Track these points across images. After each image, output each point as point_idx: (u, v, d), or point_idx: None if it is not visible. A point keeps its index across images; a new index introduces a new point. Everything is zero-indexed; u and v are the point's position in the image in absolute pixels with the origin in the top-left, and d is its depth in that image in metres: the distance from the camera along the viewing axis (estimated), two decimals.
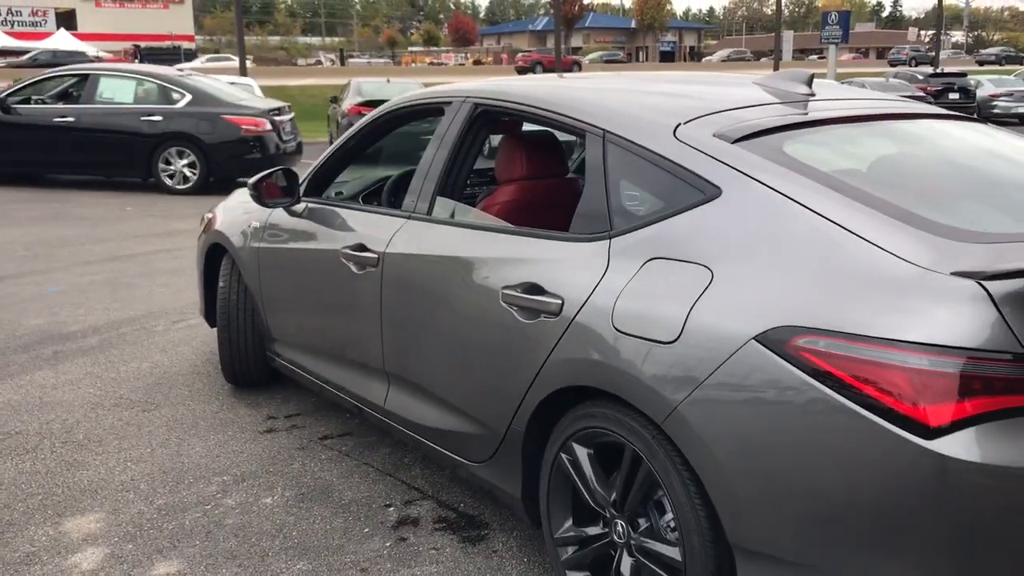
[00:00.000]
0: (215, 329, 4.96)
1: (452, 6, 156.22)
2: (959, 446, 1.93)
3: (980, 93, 29.60)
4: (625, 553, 2.61)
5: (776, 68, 33.12)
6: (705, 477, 2.29)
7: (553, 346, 2.70)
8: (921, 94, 26.91)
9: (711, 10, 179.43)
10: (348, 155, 4.24)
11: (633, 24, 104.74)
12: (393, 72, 48.28)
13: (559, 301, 2.70)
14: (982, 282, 2.00)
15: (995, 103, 29.69)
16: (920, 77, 30.57)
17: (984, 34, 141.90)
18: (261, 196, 4.11)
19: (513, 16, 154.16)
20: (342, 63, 75.00)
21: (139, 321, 6.35)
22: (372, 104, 18.24)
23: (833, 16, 37.24)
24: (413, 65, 74.84)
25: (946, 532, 1.96)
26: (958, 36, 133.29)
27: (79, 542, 3.36)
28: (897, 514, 2.00)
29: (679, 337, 2.34)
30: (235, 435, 4.36)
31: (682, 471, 2.35)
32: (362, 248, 3.63)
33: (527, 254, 2.92)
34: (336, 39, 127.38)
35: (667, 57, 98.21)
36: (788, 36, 69.57)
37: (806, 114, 2.88)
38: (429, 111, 3.78)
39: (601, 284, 2.61)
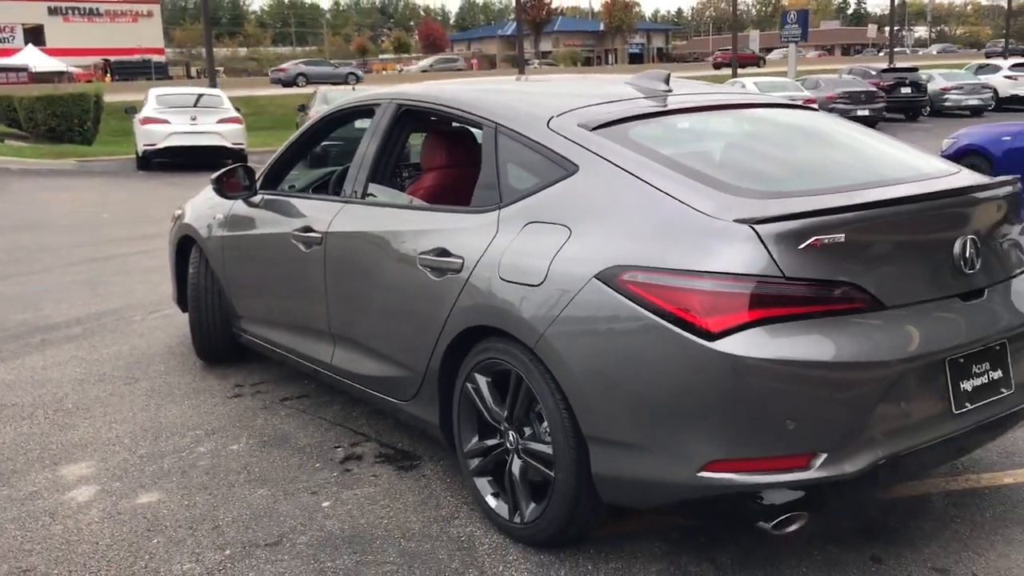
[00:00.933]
0: (187, 314, 5.59)
1: (422, 13, 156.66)
2: (733, 345, 2.62)
3: (931, 87, 30.57)
4: (515, 456, 3.29)
5: (734, 70, 34.01)
6: (565, 386, 2.97)
7: (456, 296, 3.37)
8: (873, 89, 27.81)
9: (679, 11, 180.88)
10: (298, 152, 4.90)
11: (601, 27, 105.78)
12: (365, 80, 48.92)
13: (460, 260, 3.37)
14: (753, 226, 2.70)
15: (946, 96, 30.67)
16: (873, 73, 31.48)
17: (947, 28, 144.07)
18: (222, 190, 4.76)
19: (483, 21, 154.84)
20: None
21: (118, 312, 6.97)
22: None
23: (792, 15, 38.17)
24: (384, 72, 75.32)
25: (725, 407, 2.65)
26: (921, 31, 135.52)
27: (74, 483, 4.00)
28: (693, 397, 2.69)
29: (544, 280, 3.02)
30: (206, 400, 5.00)
31: (550, 383, 3.03)
32: (308, 229, 4.29)
33: (437, 225, 3.60)
34: (307, 48, 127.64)
35: (636, 59, 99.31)
36: (755, 35, 70.68)
37: (658, 106, 3.58)
38: (363, 112, 4.44)
39: (492, 245, 3.28)
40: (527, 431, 3.24)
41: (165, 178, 16.45)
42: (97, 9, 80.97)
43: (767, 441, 2.67)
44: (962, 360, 2.92)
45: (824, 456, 2.68)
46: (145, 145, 17.24)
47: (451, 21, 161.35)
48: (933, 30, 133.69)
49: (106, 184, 16.31)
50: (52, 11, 78.67)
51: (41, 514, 3.70)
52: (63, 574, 3.24)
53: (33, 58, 64.58)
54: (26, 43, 71.36)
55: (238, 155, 17.26)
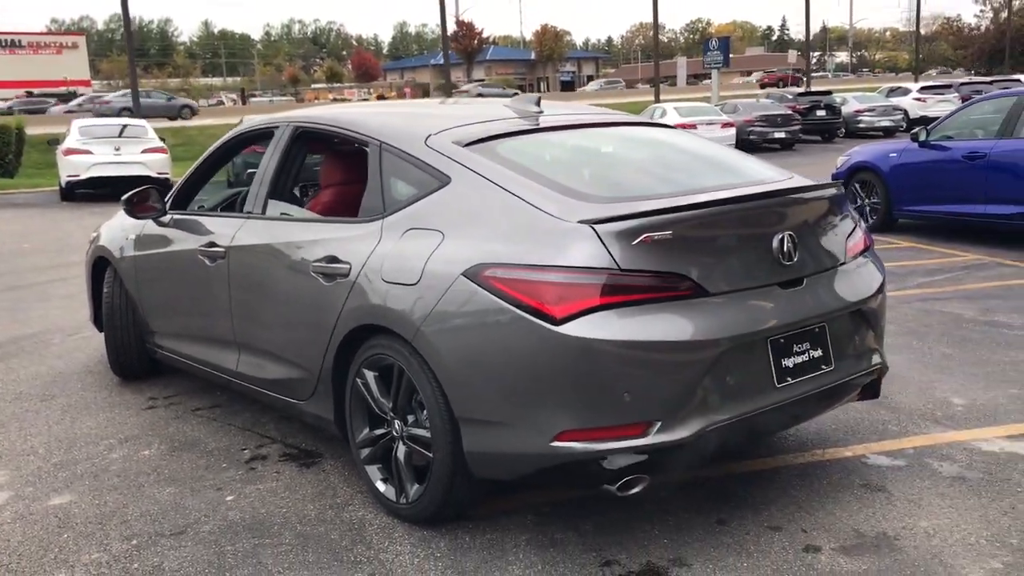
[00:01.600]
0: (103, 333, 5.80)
1: (355, 43, 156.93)
2: (575, 329, 2.99)
3: (846, 110, 31.74)
4: (400, 443, 3.61)
5: (656, 96, 34.92)
6: (439, 374, 3.31)
7: (345, 299, 3.70)
8: (790, 112, 28.83)
9: (610, 39, 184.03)
10: (205, 173, 5.19)
11: (533, 56, 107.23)
12: (295, 109, 48.85)
13: (348, 265, 3.71)
14: (593, 226, 3.08)
15: (860, 118, 31.86)
16: (790, 96, 32.61)
17: (867, 54, 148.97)
18: (133, 211, 5.03)
19: (416, 51, 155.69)
20: (243, 102, 75.11)
21: (37, 336, 7.13)
22: None
23: (714, 42, 39.43)
24: (316, 101, 75.19)
25: (570, 383, 3.02)
26: (842, 56, 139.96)
27: None
28: (544, 376, 3.05)
29: (419, 280, 3.37)
30: (121, 412, 5.22)
31: (427, 372, 3.37)
32: (213, 245, 4.58)
33: (328, 235, 3.93)
34: (238, 79, 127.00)
35: (567, 87, 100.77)
36: (682, 62, 72.37)
37: (526, 125, 3.96)
38: (263, 134, 4.76)
39: (375, 250, 3.62)
40: (410, 419, 3.57)
41: (89, 208, 16.43)
42: (19, 41, 79.59)
43: (608, 412, 3.05)
44: (782, 340, 3.33)
45: (659, 424, 3.06)
46: (68, 176, 17.22)
47: (384, 51, 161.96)
48: (854, 55, 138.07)
49: (28, 215, 16.27)
50: None
51: None
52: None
53: None
54: None
55: (164, 184, 17.32)
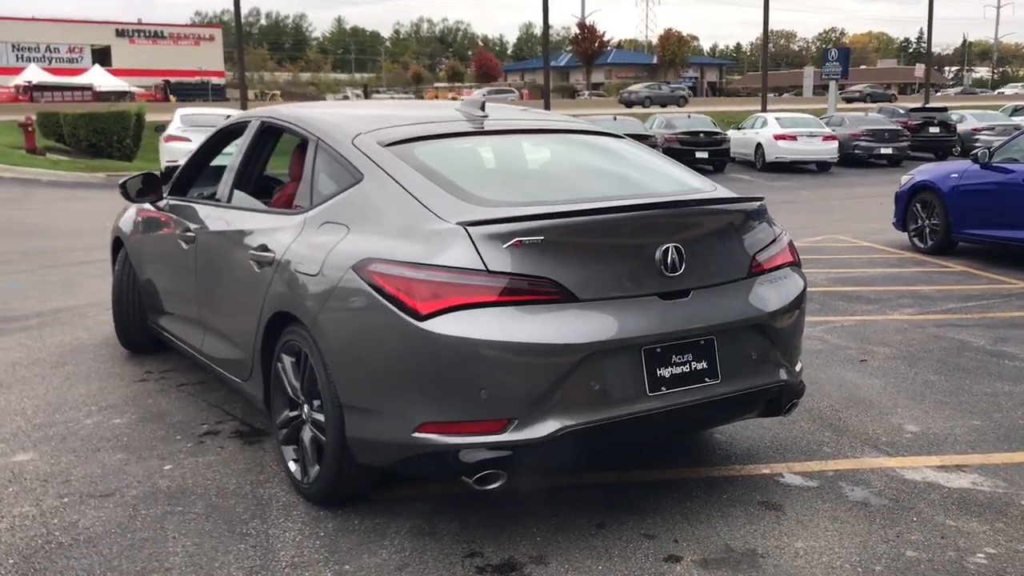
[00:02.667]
0: None
1: (480, 43, 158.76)
2: (437, 325, 3.12)
3: (962, 127, 30.47)
4: (307, 426, 3.80)
5: (763, 105, 34.23)
6: (327, 361, 3.48)
7: (268, 286, 3.91)
8: (899, 128, 27.89)
9: (738, 46, 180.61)
10: (199, 163, 5.50)
11: (655, 60, 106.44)
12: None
13: (273, 255, 3.91)
14: (467, 227, 3.20)
15: (977, 136, 30.51)
16: (902, 111, 31.50)
17: (1010, 69, 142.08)
18: (128, 195, 5.38)
19: (539, 53, 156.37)
20: (366, 97, 77.14)
21: (77, 309, 7.64)
22: None
23: (833, 53, 38.53)
24: (435, 100, 76.52)
25: (431, 378, 3.14)
26: (983, 72, 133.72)
27: None
28: (408, 369, 3.19)
29: (319, 271, 3.55)
30: (114, 383, 5.59)
31: (320, 360, 3.54)
32: (187, 230, 4.87)
33: (265, 225, 4.15)
34: (366, 75, 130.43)
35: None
36: (809, 72, 70.65)
37: (459, 128, 4.09)
38: (241, 127, 5.03)
39: (295, 241, 3.82)
40: (315, 403, 3.75)
41: None
42: (161, 32, 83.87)
43: (465, 407, 3.16)
44: (659, 350, 3.37)
45: (515, 423, 3.15)
46: (168, 161, 18.14)
47: (508, 51, 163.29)
48: (996, 71, 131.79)
49: None
50: (119, 33, 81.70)
51: None
52: None
53: (98, 78, 67.23)
54: (93, 63, 74.29)
55: None
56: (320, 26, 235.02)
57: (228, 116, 18.90)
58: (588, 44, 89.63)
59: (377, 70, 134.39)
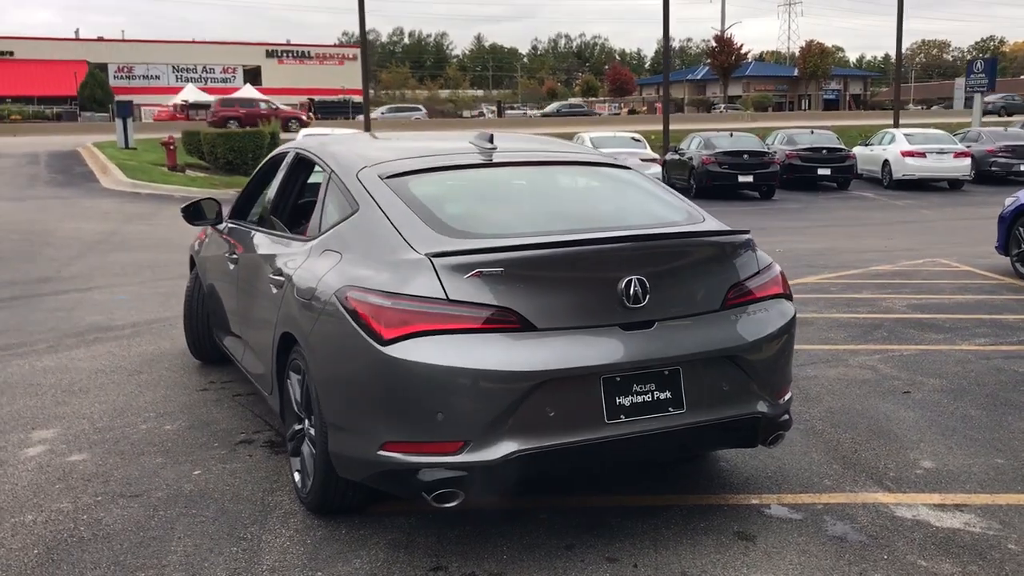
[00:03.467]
0: None
1: (617, 57, 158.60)
2: (398, 350, 3.33)
3: None
4: (306, 439, 4.07)
5: (896, 120, 32.99)
6: (315, 378, 3.74)
7: (280, 307, 4.22)
8: None
9: (886, 56, 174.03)
10: (254, 190, 5.90)
11: (796, 72, 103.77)
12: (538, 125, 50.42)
13: (284, 279, 4.22)
14: (431, 259, 3.40)
15: None
16: None
17: None
18: (190, 219, 5.83)
19: (678, 66, 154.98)
20: (499, 114, 78.36)
21: (169, 320, 8.23)
22: None
23: (979, 64, 36.91)
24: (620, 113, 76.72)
25: (393, 399, 3.35)
26: None
27: (34, 441, 5.09)
28: (374, 391, 3.41)
29: (313, 295, 3.82)
30: (177, 391, 6.04)
31: (311, 379, 3.81)
32: (232, 251, 5.26)
33: (284, 251, 4.46)
34: (502, 91, 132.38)
35: (831, 105, 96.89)
36: (960, 83, 67.69)
37: (458, 161, 4.29)
38: (282, 157, 5.38)
39: (300, 266, 4.11)
40: (312, 418, 4.02)
41: None
42: (308, 52, 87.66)
43: (424, 429, 3.35)
44: (618, 379, 3.47)
45: (470, 445, 3.32)
46: None
47: (646, 65, 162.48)
48: None
49: None
50: (269, 54, 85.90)
51: None
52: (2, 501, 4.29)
53: (248, 97, 70.97)
54: (245, 82, 78.33)
55: None
56: (460, 44, 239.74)
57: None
58: (725, 57, 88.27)
59: (513, 86, 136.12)
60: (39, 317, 8.47)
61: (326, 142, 4.89)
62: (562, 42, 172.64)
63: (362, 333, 3.44)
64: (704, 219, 4.06)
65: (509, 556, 3.63)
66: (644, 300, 3.53)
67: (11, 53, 77.07)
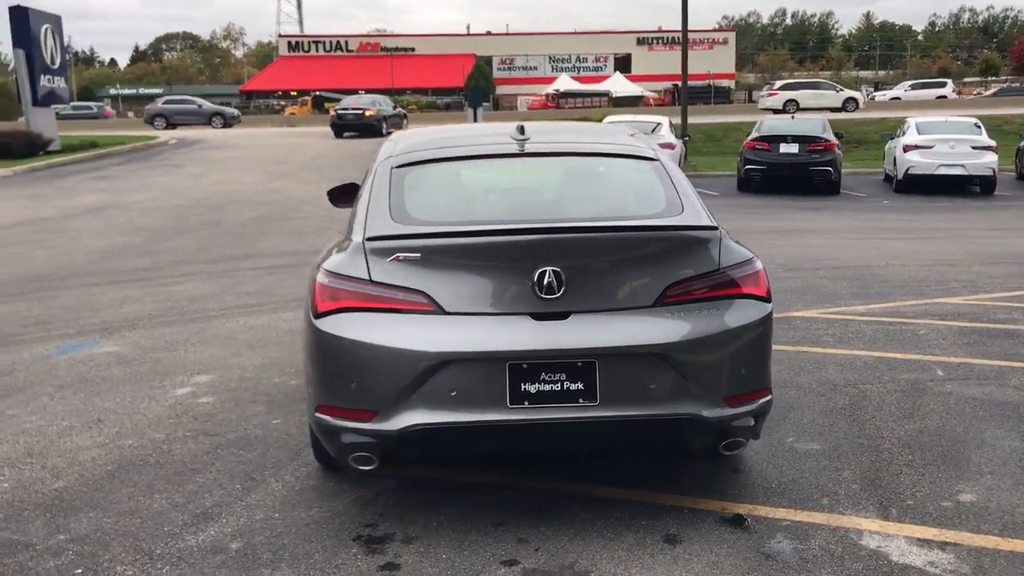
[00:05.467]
0: None
1: None
2: (323, 324, 3.70)
3: None
4: None
5: None
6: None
7: None
8: None
9: None
10: None
11: None
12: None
13: None
14: (364, 243, 3.73)
15: None
16: None
17: None
18: (334, 202, 6.55)
19: None
20: (872, 97, 73.40)
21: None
22: (769, 139, 19.50)
23: None
24: (956, 96, 69.65)
25: (320, 367, 3.74)
26: None
27: (189, 384, 6.10)
28: (310, 360, 3.82)
29: (314, 279, 4.29)
30: None
31: None
32: None
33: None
34: (890, 71, 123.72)
35: None
36: None
37: (479, 152, 4.50)
38: None
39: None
40: None
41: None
42: (677, 38, 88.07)
43: (343, 396, 3.70)
44: (525, 366, 3.55)
45: (379, 415, 3.61)
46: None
47: None
48: None
49: None
50: (640, 41, 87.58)
51: (149, 394, 5.85)
52: (124, 422, 5.30)
53: (617, 84, 73.07)
54: (615, 71, 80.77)
55: None
56: (847, 23, 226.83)
57: (658, 124, 20.06)
58: None
59: (903, 66, 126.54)
60: (292, 282, 9.76)
61: (400, 134, 5.30)
62: (965, 16, 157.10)
63: (310, 306, 3.85)
64: (680, 214, 3.94)
65: (437, 524, 3.87)
66: (558, 291, 3.58)
67: (412, 49, 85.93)
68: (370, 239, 3.74)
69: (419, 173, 4.36)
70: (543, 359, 3.58)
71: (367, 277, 3.68)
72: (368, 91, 54.26)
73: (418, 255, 3.63)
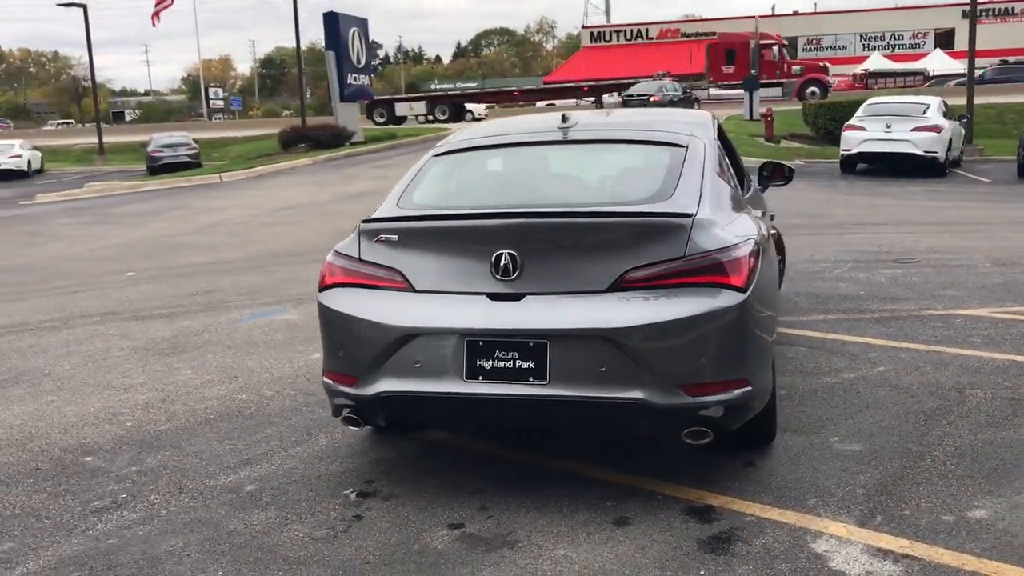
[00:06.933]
0: None
1: None
2: (322, 297, 4.14)
3: None
4: None
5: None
6: None
7: None
8: None
9: None
10: None
11: None
12: None
13: None
14: (360, 225, 4.12)
15: None
16: None
17: None
18: None
19: None
20: None
21: None
22: None
23: None
24: None
25: (322, 337, 4.17)
26: None
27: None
28: (320, 329, 4.25)
29: None
30: None
31: None
32: None
33: None
34: None
35: None
36: None
37: (519, 140, 4.73)
38: None
39: None
40: None
41: (853, 182, 17.62)
42: (1012, 9, 79.55)
43: (335, 363, 4.10)
44: (481, 343, 3.75)
45: (359, 381, 3.98)
46: (843, 150, 18.75)
47: None
48: None
49: (795, 183, 18.09)
50: (965, 14, 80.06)
51: (289, 356, 6.61)
52: (252, 379, 6.10)
53: (935, 62, 67.46)
54: (935, 47, 74.55)
55: (930, 163, 17.57)
56: None
57: (926, 106, 18.49)
58: None
59: None
60: None
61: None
62: None
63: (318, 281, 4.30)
64: (665, 200, 3.94)
65: (424, 487, 4.17)
66: (514, 274, 3.74)
67: (713, 34, 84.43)
68: (364, 222, 4.10)
69: (450, 161, 4.67)
70: (497, 337, 3.76)
71: (358, 256, 4.05)
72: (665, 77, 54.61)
73: (395, 237, 3.95)
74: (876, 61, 69.97)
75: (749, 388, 3.81)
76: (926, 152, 17.63)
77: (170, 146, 33.46)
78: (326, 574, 3.44)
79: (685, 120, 4.91)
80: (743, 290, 3.76)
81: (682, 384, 3.69)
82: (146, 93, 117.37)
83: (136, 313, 8.59)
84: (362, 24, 34.72)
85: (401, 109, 48.04)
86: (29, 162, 35.51)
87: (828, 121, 25.90)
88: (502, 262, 3.77)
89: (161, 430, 5.16)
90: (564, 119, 4.78)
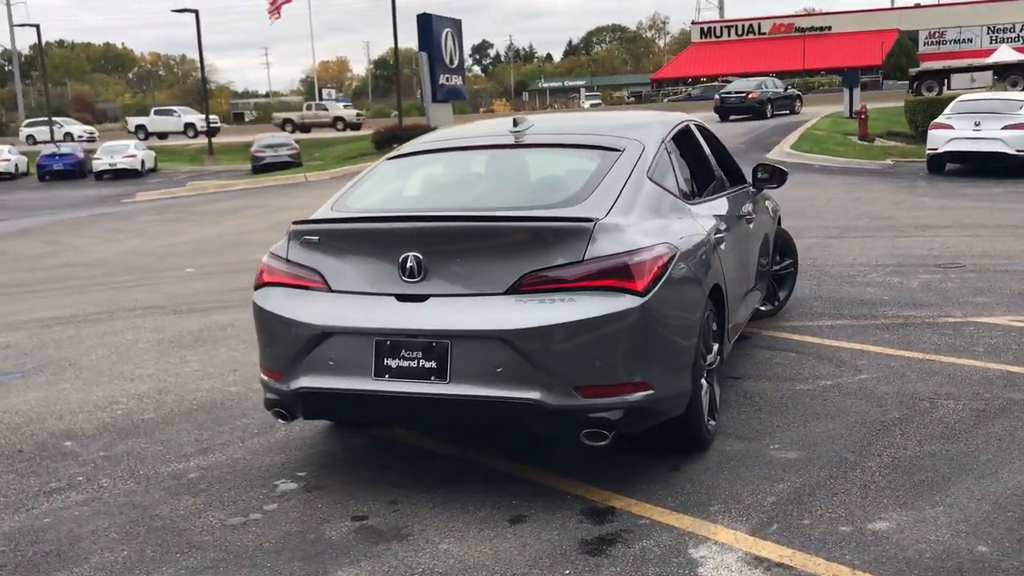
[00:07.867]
0: None
1: None
2: (254, 296, 4.32)
3: None
4: None
5: None
6: None
7: None
8: None
9: None
10: None
11: None
12: None
13: None
14: (291, 227, 4.29)
15: None
16: None
17: None
18: None
19: None
20: None
21: None
22: None
23: None
24: None
25: (258, 336, 4.35)
26: None
27: None
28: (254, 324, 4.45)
29: None
30: None
31: None
32: None
33: None
34: None
35: None
36: None
37: (460, 144, 4.85)
38: None
39: None
40: None
41: (934, 183, 16.93)
42: None
43: (265, 359, 4.29)
44: (388, 343, 3.87)
45: (284, 377, 4.15)
46: (929, 148, 18.03)
47: None
48: None
49: (874, 184, 17.54)
50: None
51: None
52: (248, 372, 6.39)
53: (1003, 55, 63.79)
54: None
55: (1020, 162, 16.76)
56: None
57: (1022, 103, 17.49)
58: None
59: None
60: None
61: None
62: None
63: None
64: (579, 206, 3.98)
65: (352, 480, 4.32)
66: (420, 276, 3.85)
67: (828, 28, 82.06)
68: (294, 223, 4.27)
69: (399, 164, 4.82)
70: (403, 337, 3.88)
71: (286, 257, 4.23)
72: (778, 74, 53.71)
73: (316, 239, 4.10)
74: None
75: (651, 392, 3.81)
76: (1018, 151, 16.74)
77: (272, 146, 34.69)
78: (218, 558, 3.62)
79: (634, 123, 4.92)
80: (642, 294, 3.77)
81: (577, 386, 3.73)
82: (266, 95, 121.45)
83: (177, 308, 9.03)
84: (455, 25, 35.18)
85: None
86: (143, 162, 37.32)
87: (926, 119, 24.76)
88: (408, 264, 3.88)
89: (145, 419, 5.46)
90: (515, 123, 4.86)
